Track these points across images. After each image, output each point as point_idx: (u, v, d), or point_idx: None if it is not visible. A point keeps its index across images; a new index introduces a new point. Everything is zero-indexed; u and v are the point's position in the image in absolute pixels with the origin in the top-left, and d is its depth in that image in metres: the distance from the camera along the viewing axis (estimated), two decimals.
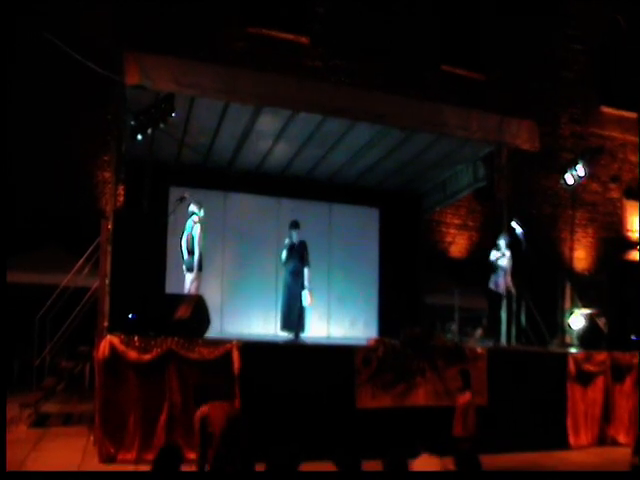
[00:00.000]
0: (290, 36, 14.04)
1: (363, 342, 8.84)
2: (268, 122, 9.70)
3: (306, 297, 9.55)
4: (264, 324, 11.34)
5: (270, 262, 11.42)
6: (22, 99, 11.41)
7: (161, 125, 8.17)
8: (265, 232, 11.59)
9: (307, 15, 14.36)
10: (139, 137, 8.21)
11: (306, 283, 9.58)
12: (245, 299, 11.40)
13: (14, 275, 9.04)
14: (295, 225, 9.90)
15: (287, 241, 9.91)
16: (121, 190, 10.83)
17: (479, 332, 12.74)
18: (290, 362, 7.95)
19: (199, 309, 8.06)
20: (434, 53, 15.92)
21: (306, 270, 9.62)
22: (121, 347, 7.32)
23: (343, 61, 14.35)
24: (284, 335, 9.78)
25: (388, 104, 9.39)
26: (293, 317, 9.62)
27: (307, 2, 14.38)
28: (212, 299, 9.34)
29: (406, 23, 15.40)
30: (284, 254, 9.83)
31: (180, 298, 8.31)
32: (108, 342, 7.29)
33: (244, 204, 11.63)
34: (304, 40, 14.21)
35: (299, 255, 9.72)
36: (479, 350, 8.85)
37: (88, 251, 7.95)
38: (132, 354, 7.33)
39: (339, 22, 14.54)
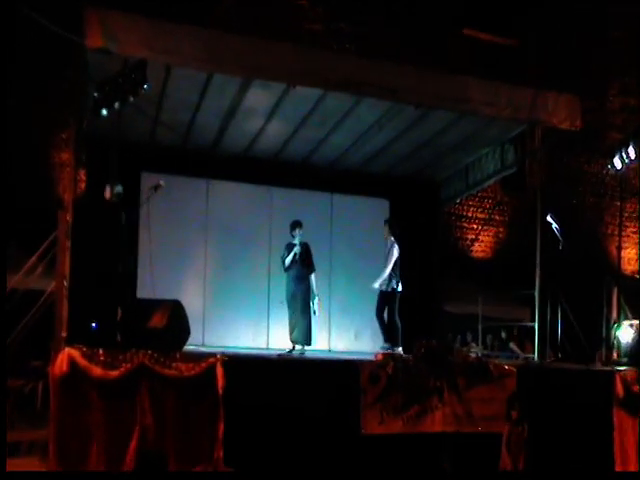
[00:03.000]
0: None
1: (370, 357, 8.78)
2: (258, 97, 9.60)
3: (316, 305, 9.98)
4: (254, 335, 11.34)
5: (261, 262, 11.39)
6: None
7: (131, 98, 8.01)
8: (255, 226, 11.58)
9: None
10: (104, 112, 8.06)
11: (313, 289, 10.02)
12: (232, 306, 11.37)
13: None
14: (298, 225, 10.08)
15: (289, 244, 10.07)
16: (82, 175, 10.72)
17: (512, 345, 12.71)
18: (284, 380, 7.86)
19: (176, 317, 7.99)
20: (455, 15, 15.80)
21: (312, 276, 10.05)
22: (83, 362, 7.19)
23: (347, 24, 14.26)
24: (284, 348, 9.92)
25: (400, 76, 9.30)
26: (301, 329, 9.89)
27: None
28: (192, 305, 9.35)
29: None
30: (287, 258, 9.99)
31: (154, 304, 8.23)
32: (67, 355, 7.15)
33: (230, 193, 11.61)
34: (302, 1, 14.12)
35: (303, 259, 9.98)
36: (507, 367, 8.78)
37: (42, 247, 7.83)
38: (96, 370, 7.19)
39: None
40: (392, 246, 10.29)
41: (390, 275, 10.14)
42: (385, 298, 10.21)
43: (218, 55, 8.42)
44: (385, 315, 10.28)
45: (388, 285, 10.15)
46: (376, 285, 10.13)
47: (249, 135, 10.93)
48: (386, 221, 10.62)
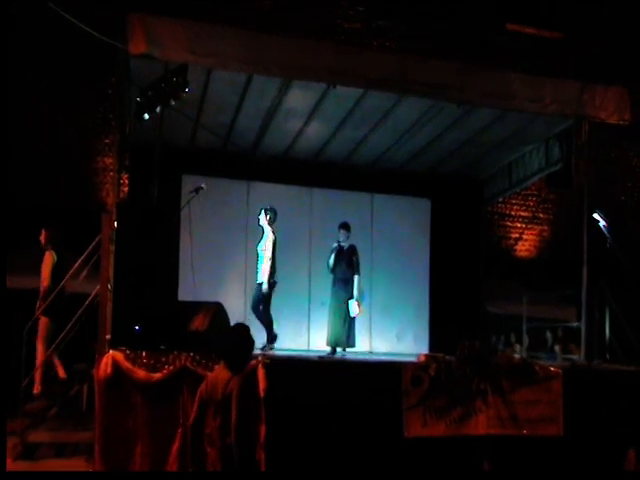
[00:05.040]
0: None
1: (412, 358, 8.79)
2: (299, 97, 9.66)
3: (354, 307, 9.88)
4: (295, 337, 11.38)
5: (301, 263, 11.46)
6: (6, 69, 11.53)
7: (172, 102, 8.15)
8: (295, 227, 11.59)
9: None
10: (146, 116, 8.20)
11: (355, 292, 9.95)
12: (272, 307, 11.22)
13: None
14: (344, 227, 10.16)
15: (335, 245, 10.13)
16: (125, 179, 10.89)
17: (557, 348, 12.57)
18: (326, 382, 7.89)
19: (218, 319, 8.08)
20: (498, 9, 15.63)
21: (356, 278, 10.01)
22: (126, 364, 7.34)
23: (388, 22, 14.19)
24: (325, 350, 9.98)
25: (442, 73, 9.25)
26: (342, 331, 9.91)
27: None
28: (234, 307, 9.38)
29: None
30: (331, 260, 10.07)
31: (195, 306, 8.33)
32: (111, 358, 7.31)
33: (270, 195, 11.52)
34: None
35: (348, 261, 10.04)
36: (553, 369, 8.70)
37: (87, 251, 8.00)
38: (139, 372, 7.34)
39: None
40: (268, 234, 9.95)
41: (271, 267, 9.80)
42: (263, 291, 9.84)
43: (258, 56, 8.46)
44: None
45: (270, 278, 9.81)
46: (260, 279, 9.79)
47: (289, 136, 11.00)
48: (265, 209, 10.05)
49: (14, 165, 11.37)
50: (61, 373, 8.85)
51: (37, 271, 9.15)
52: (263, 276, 9.76)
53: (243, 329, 6.11)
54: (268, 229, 9.88)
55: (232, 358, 5.88)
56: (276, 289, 10.04)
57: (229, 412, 5.67)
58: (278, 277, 11.34)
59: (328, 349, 10.13)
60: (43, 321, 8.56)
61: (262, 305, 9.78)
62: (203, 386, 5.94)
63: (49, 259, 8.57)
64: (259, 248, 9.83)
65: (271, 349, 9.54)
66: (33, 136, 11.46)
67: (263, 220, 9.92)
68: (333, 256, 10.10)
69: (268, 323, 9.73)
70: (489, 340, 12.63)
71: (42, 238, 8.87)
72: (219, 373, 5.90)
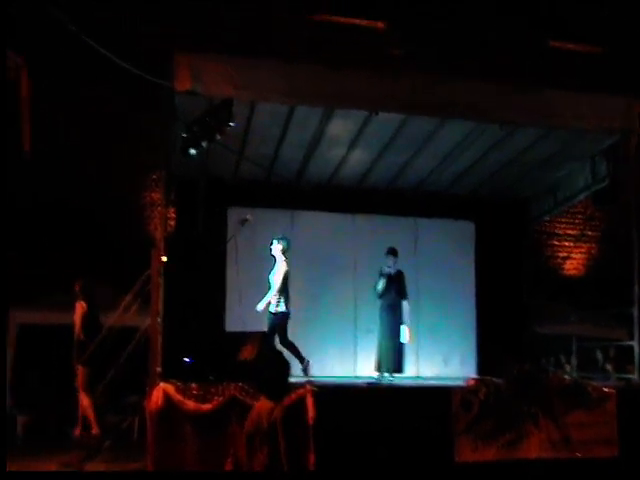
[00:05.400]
0: (363, 21, 14.02)
1: (460, 382, 8.75)
2: (341, 126, 9.75)
3: (405, 333, 9.94)
4: (341, 364, 11.38)
5: (347, 290, 11.47)
6: (55, 109, 11.88)
7: (217, 136, 8.29)
8: (340, 254, 11.65)
9: None
10: (192, 151, 8.36)
11: (405, 318, 10.01)
12: (318, 334, 11.43)
13: (53, 315, 9.43)
14: (392, 252, 10.22)
15: (383, 270, 10.17)
16: (172, 213, 11.07)
17: (609, 367, 12.34)
18: (374, 408, 7.92)
19: (265, 349, 8.14)
20: (538, 27, 15.52)
21: (405, 303, 10.08)
22: (177, 396, 7.45)
23: (428, 46, 14.18)
24: (372, 376, 9.96)
25: (485, 95, 9.26)
26: (391, 356, 9.94)
27: None
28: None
29: None
30: (380, 285, 10.09)
31: (243, 337, 8.43)
32: (162, 391, 7.43)
33: (314, 223, 11.73)
34: (380, 25, 14.17)
35: (397, 286, 10.09)
36: (606, 389, 8.58)
37: (137, 285, 8.16)
38: (189, 404, 7.45)
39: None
40: (280, 264, 9.80)
41: (279, 296, 9.63)
42: (275, 321, 9.65)
43: (299, 87, 8.58)
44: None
45: (277, 306, 9.62)
46: (260, 307, 9.61)
47: (332, 164, 11.07)
48: (277, 239, 9.91)
49: (63, 204, 11.72)
50: (95, 429, 8.94)
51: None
52: (274, 305, 9.65)
53: (276, 356, 6.17)
54: (281, 259, 9.78)
55: (270, 387, 5.94)
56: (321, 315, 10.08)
57: (276, 441, 5.72)
58: (323, 304, 11.50)
59: (376, 375, 10.12)
60: (81, 371, 8.72)
61: (278, 335, 9.68)
62: (249, 419, 5.99)
63: (80, 310, 8.74)
64: (270, 277, 9.77)
65: (308, 376, 9.47)
66: (83, 175, 11.75)
67: (275, 250, 9.82)
68: (382, 282, 10.13)
69: (293, 350, 9.65)
70: (538, 361, 12.46)
71: (77, 288, 9.00)
72: (263, 404, 5.97)
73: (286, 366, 6.07)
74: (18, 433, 10.71)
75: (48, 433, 11.02)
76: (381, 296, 10.16)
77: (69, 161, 11.74)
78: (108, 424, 8.80)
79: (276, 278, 9.60)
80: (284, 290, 9.59)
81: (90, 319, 8.73)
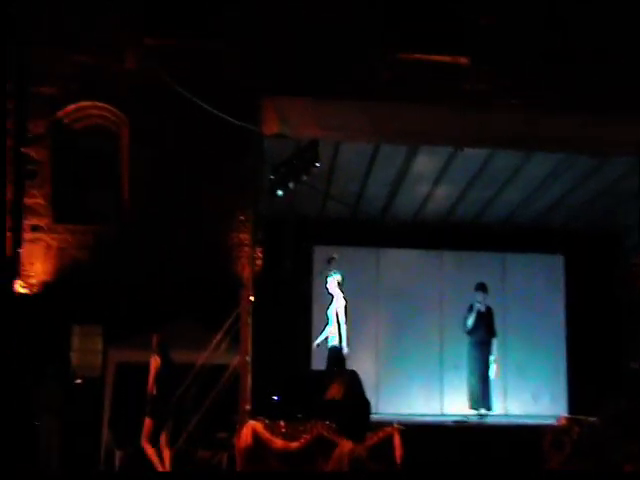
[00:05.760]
0: (446, 58, 14.08)
1: (550, 421, 8.57)
2: (426, 163, 9.81)
3: (493, 369, 9.93)
4: (427, 401, 11.29)
5: (432, 327, 11.40)
6: (145, 153, 12.41)
7: (304, 177, 8.49)
8: (425, 291, 11.60)
9: (464, 30, 14.34)
10: (279, 192, 8.57)
11: (494, 355, 10.03)
12: (404, 372, 11.40)
13: (147, 354, 9.76)
14: (482, 288, 10.20)
15: (473, 307, 10.14)
16: (259, 252, 11.29)
17: None
18: (463, 447, 7.86)
19: (353, 388, 8.17)
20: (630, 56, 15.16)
21: (494, 340, 10.09)
22: (265, 434, 7.55)
23: (513, 81, 14.06)
24: (459, 414, 9.90)
25: (573, 126, 9.13)
26: (482, 393, 9.94)
27: (463, 14, 14.33)
28: (366, 372, 9.41)
29: (590, 19, 14.76)
30: (470, 322, 10.07)
31: (331, 375, 8.48)
32: (251, 428, 7.56)
33: (400, 260, 11.69)
34: (463, 60, 14.15)
35: (487, 323, 10.08)
36: None
37: (227, 324, 8.36)
38: (277, 442, 7.52)
39: (505, 33, 14.34)
40: (337, 298, 9.59)
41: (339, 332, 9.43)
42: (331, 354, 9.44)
43: (384, 126, 8.69)
44: None
45: (335, 341, 9.41)
46: (317, 342, 9.47)
47: (417, 201, 11.09)
48: (332, 273, 9.68)
49: (153, 245, 12.16)
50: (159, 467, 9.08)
51: (186, 343, 9.62)
52: (335, 339, 9.53)
53: (358, 397, 6.16)
54: (337, 293, 9.68)
55: (350, 427, 5.94)
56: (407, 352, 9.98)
57: None
58: (409, 340, 11.46)
59: (462, 413, 10.04)
60: (147, 422, 8.84)
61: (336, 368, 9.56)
62: (332, 459, 6.02)
63: (153, 364, 8.83)
64: (328, 312, 9.64)
65: None
66: (178, 216, 12.17)
67: (331, 284, 9.69)
68: (472, 318, 10.07)
69: None
70: (635, 398, 12.05)
71: (153, 343, 9.09)
72: (344, 443, 5.97)
73: (367, 407, 6.08)
74: (116, 466, 11.08)
75: (144, 467, 11.38)
76: (470, 332, 10.08)
77: (164, 205, 12.21)
78: (199, 459, 8.96)
79: (335, 312, 9.55)
80: (343, 324, 9.54)
81: (162, 374, 8.79)
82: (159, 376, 8.81)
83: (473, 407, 10.04)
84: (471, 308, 10.13)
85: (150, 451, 8.86)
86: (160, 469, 8.99)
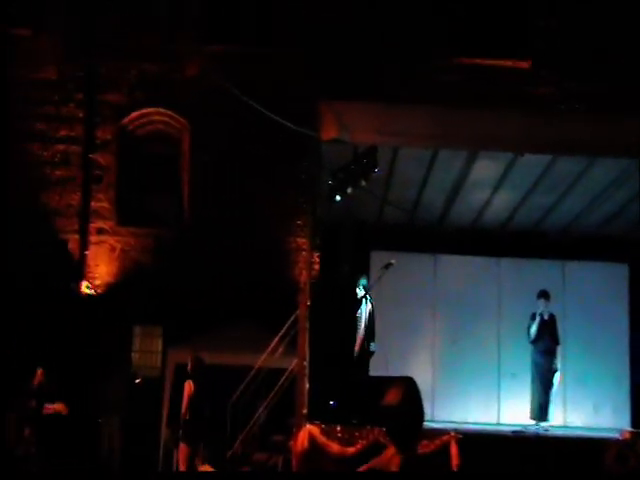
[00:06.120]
0: (507, 62, 13.87)
1: (612, 433, 8.38)
2: (485, 168, 9.62)
3: (557, 379, 9.74)
4: (484, 410, 11.05)
5: (490, 335, 11.17)
6: (205, 158, 12.55)
7: (362, 182, 8.41)
8: (483, 299, 11.36)
9: (525, 34, 14.09)
10: (337, 198, 8.51)
11: (558, 364, 9.81)
12: (461, 379, 11.19)
13: (204, 355, 9.84)
14: (544, 295, 9.94)
15: (534, 314, 9.90)
16: (316, 257, 11.27)
17: None
18: (521, 458, 7.67)
19: (410, 394, 8.04)
20: None
21: (558, 349, 9.86)
22: (321, 438, 7.52)
23: (576, 84, 13.75)
24: (518, 424, 9.64)
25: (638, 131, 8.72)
26: (544, 404, 9.69)
27: (524, 18, 14.08)
28: (422, 379, 9.16)
29: None
30: (533, 330, 9.83)
31: (387, 381, 8.35)
32: (307, 432, 7.53)
33: (457, 267, 11.52)
34: (524, 64, 13.96)
35: (550, 331, 9.83)
36: None
37: (284, 328, 8.36)
38: (334, 447, 7.49)
39: (567, 35, 14.02)
40: (366, 303, 9.26)
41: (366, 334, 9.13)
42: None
43: (444, 131, 8.54)
44: None
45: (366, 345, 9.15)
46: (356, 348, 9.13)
47: (476, 207, 10.89)
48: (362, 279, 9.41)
49: (211, 249, 12.29)
50: None
51: (243, 346, 9.68)
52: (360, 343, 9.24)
53: (412, 405, 6.03)
54: (366, 298, 9.39)
55: (399, 435, 5.79)
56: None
57: None
58: (466, 348, 11.26)
59: (520, 423, 9.80)
60: (182, 448, 8.82)
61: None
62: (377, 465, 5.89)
63: (187, 389, 8.80)
64: (360, 317, 9.30)
65: None
66: (236, 220, 12.29)
67: (360, 291, 9.47)
68: (535, 326, 9.84)
69: None
70: None
71: (188, 367, 9.04)
72: (391, 459, 5.83)
73: (420, 416, 5.94)
74: (174, 465, 11.18)
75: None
76: (534, 341, 9.85)
77: (223, 209, 12.34)
78: (255, 461, 8.97)
79: (364, 317, 9.32)
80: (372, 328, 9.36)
81: (196, 400, 8.75)
82: (192, 401, 8.77)
83: (535, 417, 9.76)
84: (534, 316, 9.88)
85: (182, 468, 8.92)
86: None
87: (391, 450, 5.74)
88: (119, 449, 10.90)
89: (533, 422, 9.74)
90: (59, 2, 12.81)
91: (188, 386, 8.75)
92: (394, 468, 5.59)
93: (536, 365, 9.86)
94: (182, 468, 8.75)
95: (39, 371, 9.14)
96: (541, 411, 9.69)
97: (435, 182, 9.98)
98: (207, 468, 8.69)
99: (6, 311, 11.08)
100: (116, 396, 10.86)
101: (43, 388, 9.92)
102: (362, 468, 5.79)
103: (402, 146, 8.84)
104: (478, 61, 13.28)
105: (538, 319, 9.82)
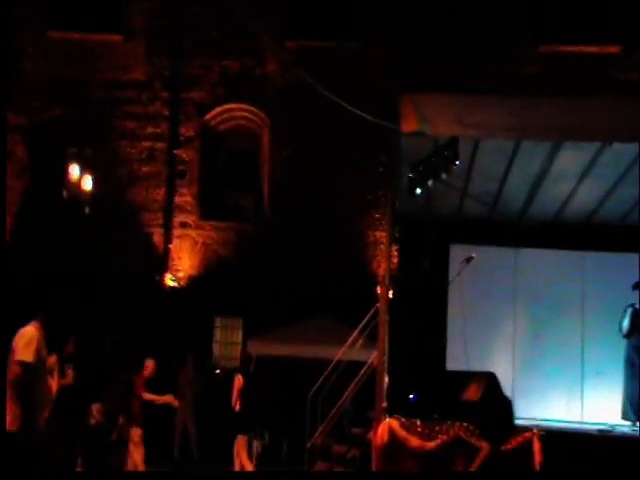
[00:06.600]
0: (593, 48, 13.33)
1: None
2: (570, 159, 9.20)
3: None
4: (567, 408, 10.65)
5: (574, 330, 10.77)
6: (284, 153, 12.56)
7: (443, 175, 8.17)
8: (566, 293, 10.97)
9: (614, 17, 13.46)
10: (418, 191, 8.29)
11: None
12: (542, 375, 10.83)
13: (283, 347, 9.81)
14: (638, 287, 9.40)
15: (629, 308, 9.41)
16: (394, 251, 11.13)
17: None
18: (607, 458, 7.28)
19: (491, 390, 7.84)
20: None
21: None
22: (401, 432, 7.35)
23: None
24: (603, 423, 9.23)
25: None
26: (633, 401, 9.16)
27: (610, 1, 13.42)
28: (501, 375, 8.94)
29: None
30: (625, 324, 9.37)
31: (467, 376, 8.17)
32: (387, 426, 7.37)
33: (539, 261, 11.15)
34: (613, 49, 13.37)
35: None
36: None
37: (364, 321, 8.24)
38: (414, 441, 7.29)
39: None
40: None
41: None
42: None
43: (526, 121, 8.15)
44: None
45: None
46: None
47: (559, 199, 10.49)
48: None
49: (292, 242, 12.30)
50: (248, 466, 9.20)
51: (322, 339, 9.66)
52: None
53: (500, 399, 5.88)
54: None
55: (491, 430, 5.66)
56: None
57: None
58: (548, 343, 10.90)
59: (606, 422, 9.34)
60: (240, 439, 9.06)
61: None
62: (476, 461, 5.75)
63: (237, 384, 9.08)
64: None
65: None
66: (314, 215, 12.30)
67: None
68: (628, 320, 9.33)
69: None
70: None
71: (239, 363, 9.55)
72: (486, 446, 5.69)
73: (510, 410, 5.77)
74: (253, 456, 11.23)
75: (279, 455, 11.51)
76: (628, 335, 9.34)
77: (302, 202, 12.36)
78: (333, 454, 8.89)
79: None
80: None
81: (246, 392, 9.02)
82: (243, 394, 9.02)
83: (627, 417, 9.26)
84: (627, 309, 9.37)
85: (249, 467, 9.00)
86: None
87: (484, 445, 5.61)
88: (195, 439, 11.03)
89: (628, 423, 9.25)
90: (143, 8, 13.13)
91: (237, 380, 9.05)
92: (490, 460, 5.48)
93: (630, 361, 9.29)
94: (237, 457, 8.98)
95: (150, 362, 9.37)
96: (633, 409, 9.16)
97: (517, 174, 9.63)
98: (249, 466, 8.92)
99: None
100: (196, 386, 10.95)
101: (153, 380, 10.17)
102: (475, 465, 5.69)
103: (483, 138, 8.53)
104: (563, 48, 12.77)
105: (630, 311, 9.27)
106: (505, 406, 7.73)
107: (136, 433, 9.00)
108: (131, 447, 8.94)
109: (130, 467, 8.76)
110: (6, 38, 12.08)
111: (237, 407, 8.99)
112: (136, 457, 8.92)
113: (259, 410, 9.08)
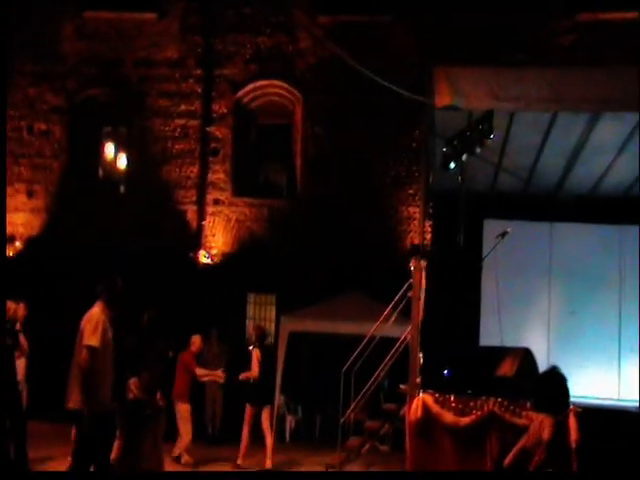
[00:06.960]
0: (631, 14, 12.86)
1: None
2: (608, 131, 8.93)
3: None
4: (603, 385, 10.48)
5: (611, 306, 10.58)
6: (317, 129, 12.43)
7: (477, 149, 7.95)
8: (603, 268, 10.81)
9: None
10: (452, 165, 8.11)
11: None
12: (577, 352, 10.65)
13: (314, 324, 9.73)
14: None
15: None
16: (427, 226, 10.99)
17: None
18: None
19: (527, 366, 7.69)
20: None
21: None
22: (435, 407, 7.27)
23: None
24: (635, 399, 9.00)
25: None
26: None
27: None
28: (537, 351, 8.81)
29: None
30: None
31: (502, 351, 8.03)
32: (421, 401, 7.28)
33: (575, 235, 10.99)
34: None
35: None
36: None
37: (397, 296, 8.12)
38: (448, 416, 7.22)
39: None
40: None
41: None
42: None
43: (563, 93, 7.93)
44: None
45: None
46: None
47: (596, 173, 10.25)
48: None
49: (323, 217, 12.21)
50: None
51: (355, 316, 9.61)
52: None
53: (552, 373, 5.76)
54: None
55: (551, 403, 5.56)
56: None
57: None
58: (584, 319, 10.71)
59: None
60: (266, 411, 9.10)
61: None
62: (530, 434, 5.65)
63: (255, 357, 9.09)
64: None
65: None
66: (346, 191, 12.21)
67: None
68: None
69: None
70: None
71: (254, 336, 9.52)
72: (544, 419, 5.60)
73: (565, 381, 5.65)
74: (286, 431, 11.23)
75: (313, 430, 11.50)
76: None
77: (334, 178, 12.25)
78: (367, 429, 8.83)
79: None
80: None
81: (264, 365, 9.07)
82: (261, 367, 9.03)
83: None
84: None
85: (269, 435, 9.03)
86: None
87: (540, 418, 5.50)
88: (220, 415, 11.02)
89: None
90: None
91: (255, 353, 9.10)
92: (546, 435, 5.39)
93: None
94: (246, 428, 8.99)
95: (196, 338, 9.41)
96: None
97: (553, 147, 9.39)
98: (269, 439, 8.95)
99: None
100: (217, 360, 10.91)
101: (203, 355, 10.26)
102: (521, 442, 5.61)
103: (518, 111, 8.32)
104: (600, 16, 12.35)
105: None
106: (559, 382, 7.57)
107: (185, 408, 9.11)
108: (180, 422, 9.04)
109: (176, 444, 8.97)
110: (6, 38, 12.21)
111: (257, 379, 9.03)
112: (184, 432, 9.01)
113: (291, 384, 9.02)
